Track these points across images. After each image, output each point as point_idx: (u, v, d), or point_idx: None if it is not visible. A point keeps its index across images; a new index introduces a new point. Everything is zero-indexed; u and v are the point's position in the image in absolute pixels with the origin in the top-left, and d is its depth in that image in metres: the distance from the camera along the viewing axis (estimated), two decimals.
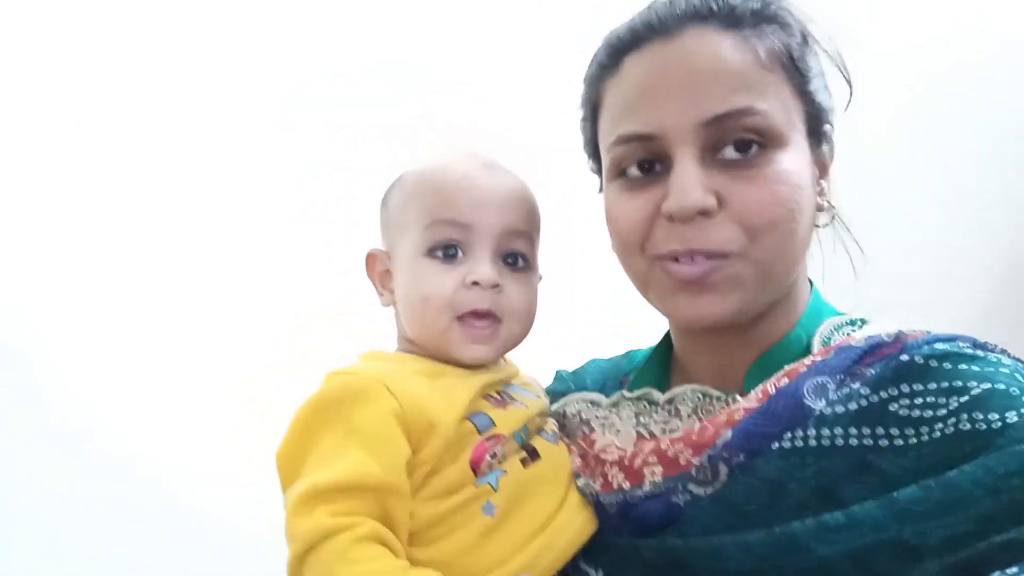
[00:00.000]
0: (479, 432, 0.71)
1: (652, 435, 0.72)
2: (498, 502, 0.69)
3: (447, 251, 0.75)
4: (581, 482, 0.74)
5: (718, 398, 0.72)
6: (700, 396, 0.73)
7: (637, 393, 0.78)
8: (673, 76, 0.66)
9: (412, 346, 0.79)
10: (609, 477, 0.72)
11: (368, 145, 1.71)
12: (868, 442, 0.61)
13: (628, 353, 0.93)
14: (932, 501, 0.55)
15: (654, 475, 0.68)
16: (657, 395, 0.76)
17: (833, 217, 0.75)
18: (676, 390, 0.75)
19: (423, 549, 0.68)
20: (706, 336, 0.73)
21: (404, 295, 0.78)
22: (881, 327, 0.70)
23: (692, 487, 0.65)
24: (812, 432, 0.63)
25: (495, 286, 0.75)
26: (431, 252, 0.76)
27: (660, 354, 0.84)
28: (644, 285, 0.73)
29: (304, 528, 0.62)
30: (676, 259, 0.68)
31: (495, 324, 0.76)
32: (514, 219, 0.77)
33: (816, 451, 0.62)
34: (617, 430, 0.76)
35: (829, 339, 0.71)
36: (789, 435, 0.63)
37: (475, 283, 0.74)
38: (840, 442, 0.62)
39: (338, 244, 1.31)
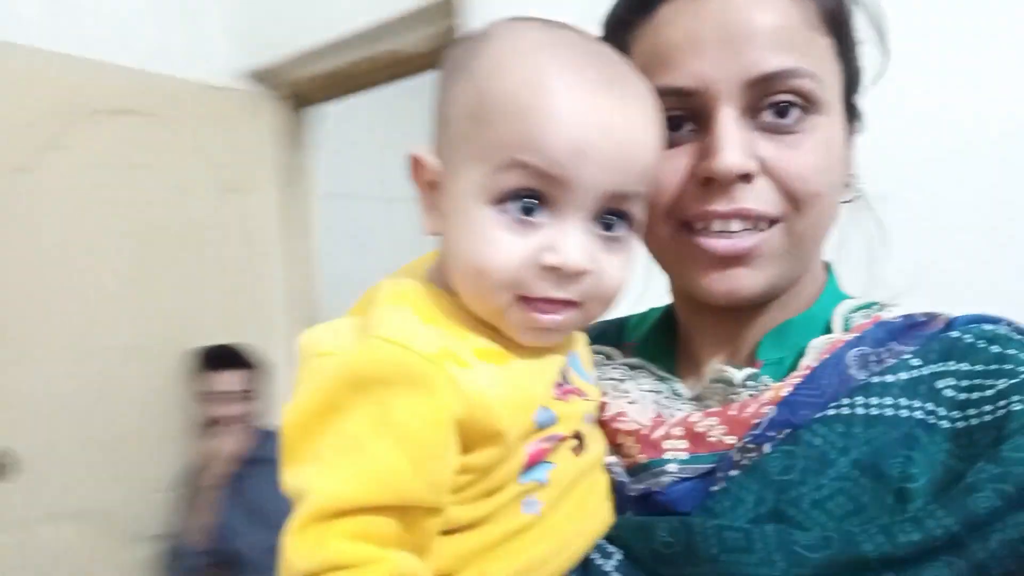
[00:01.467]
0: (538, 429, 0.58)
1: (674, 417, 0.66)
2: (545, 498, 0.58)
3: (523, 205, 0.55)
4: (610, 460, 0.66)
5: (742, 385, 0.66)
6: (724, 385, 0.66)
7: (662, 374, 0.72)
8: (719, 29, 0.60)
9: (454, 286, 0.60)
10: (626, 448, 0.65)
11: None
12: (918, 415, 0.58)
13: (617, 320, 0.83)
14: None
15: (677, 451, 0.62)
16: (681, 388, 0.70)
17: (857, 194, 0.72)
18: (701, 387, 0.68)
19: (449, 541, 0.57)
20: (721, 310, 0.67)
21: (453, 248, 0.58)
22: (908, 309, 0.67)
23: (733, 472, 0.60)
24: (860, 399, 0.60)
25: (583, 273, 0.56)
26: (499, 202, 0.55)
27: (664, 324, 0.77)
28: (663, 254, 0.68)
29: (305, 553, 0.50)
30: (707, 231, 0.63)
31: (570, 310, 0.57)
32: (630, 174, 0.56)
33: (863, 420, 0.59)
34: (631, 400, 0.68)
35: (848, 321, 0.68)
36: (834, 404, 0.60)
37: (555, 268, 0.55)
38: (889, 412, 0.59)
39: None
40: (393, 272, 0.64)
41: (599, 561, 0.62)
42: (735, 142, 0.60)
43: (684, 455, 0.62)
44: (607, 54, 0.59)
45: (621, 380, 0.71)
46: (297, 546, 0.50)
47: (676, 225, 0.64)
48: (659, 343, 0.76)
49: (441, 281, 0.61)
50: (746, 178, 0.61)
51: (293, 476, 0.53)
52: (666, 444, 0.63)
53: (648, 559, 0.60)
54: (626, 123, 0.56)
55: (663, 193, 0.63)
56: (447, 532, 0.56)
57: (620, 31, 0.67)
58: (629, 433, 0.65)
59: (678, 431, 0.63)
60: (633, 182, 0.57)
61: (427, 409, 0.52)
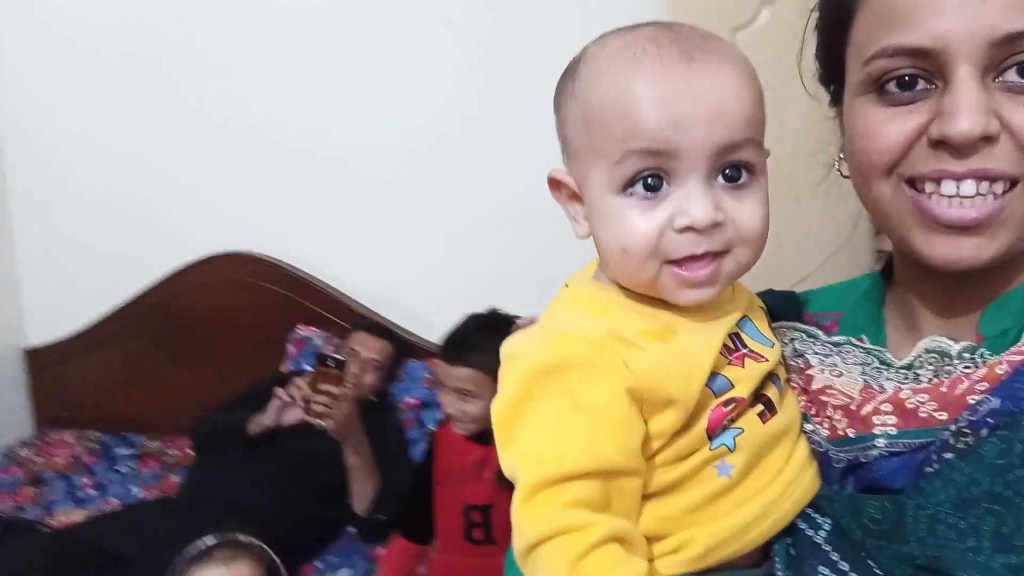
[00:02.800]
0: (715, 395, 0.63)
1: (882, 388, 0.66)
2: (735, 462, 0.63)
3: (647, 183, 0.61)
4: (809, 427, 0.68)
5: (959, 357, 0.64)
6: (937, 356, 0.66)
7: (868, 346, 0.71)
8: None
9: (613, 280, 0.67)
10: (832, 421, 0.66)
11: None
12: None
13: (818, 290, 0.86)
14: None
15: (886, 426, 0.62)
16: (889, 356, 0.69)
17: None
18: (913, 355, 0.67)
19: (652, 504, 0.63)
20: (941, 275, 0.65)
21: (599, 239, 0.65)
22: None
23: (947, 455, 0.59)
24: None
25: (714, 225, 0.61)
26: (625, 189, 0.62)
27: (873, 292, 0.77)
28: (884, 213, 0.66)
29: (534, 521, 0.59)
30: (937, 193, 0.61)
31: (717, 261, 0.62)
32: (731, 129, 0.60)
33: None
34: (840, 372, 0.69)
35: None
36: None
37: (688, 227, 0.61)
38: None
39: None
40: (569, 277, 0.74)
41: (808, 532, 0.64)
42: (975, 104, 0.58)
43: (893, 430, 0.62)
44: (685, 33, 0.63)
45: (827, 355, 0.72)
46: (525, 517, 0.59)
47: (898, 182, 0.64)
48: (869, 312, 0.76)
49: (605, 277, 0.69)
50: (987, 140, 0.59)
51: (507, 459, 0.63)
52: (876, 420, 0.63)
53: (857, 532, 0.61)
54: (714, 84, 0.60)
55: (886, 151, 0.63)
56: (651, 496, 0.63)
57: None
58: (838, 407, 0.66)
59: (887, 407, 0.63)
60: (737, 133, 0.61)
61: (603, 385, 0.60)
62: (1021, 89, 0.59)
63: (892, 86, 0.63)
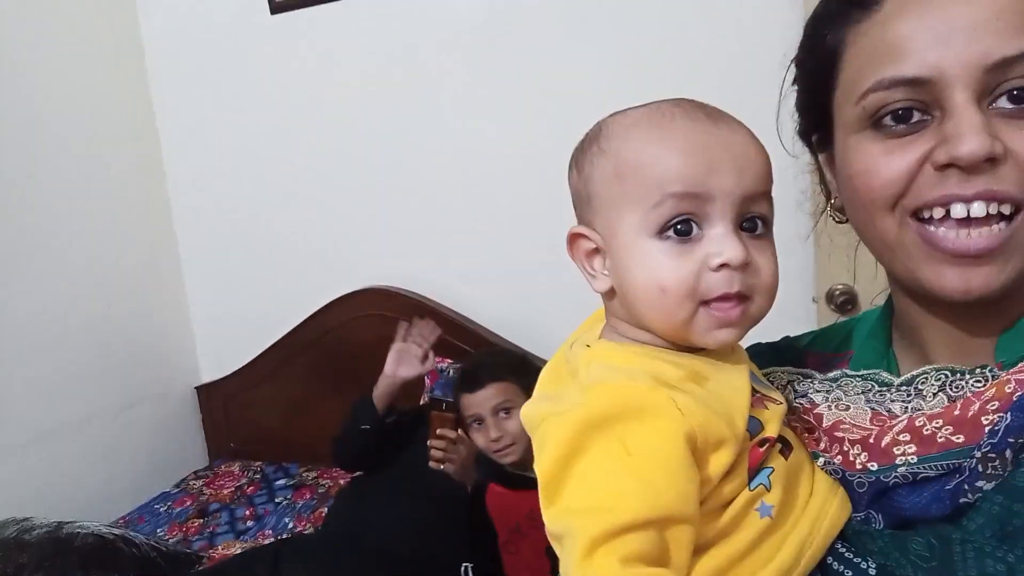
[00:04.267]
0: (751, 436, 0.66)
1: (891, 412, 0.67)
2: (773, 500, 0.65)
3: (680, 228, 0.65)
4: (820, 461, 0.69)
5: (970, 372, 0.65)
6: (947, 374, 0.67)
7: (863, 372, 0.73)
8: (956, 14, 0.61)
9: (634, 331, 0.70)
10: (850, 456, 0.67)
11: None
12: None
13: (825, 329, 0.87)
14: None
15: (906, 455, 0.63)
16: (887, 376, 0.71)
17: None
18: (916, 371, 0.69)
19: (701, 559, 0.62)
20: (952, 306, 0.66)
21: (632, 283, 0.67)
22: None
23: (980, 483, 0.59)
24: None
25: (745, 264, 0.65)
26: (661, 233, 0.65)
27: (884, 325, 0.78)
28: (889, 248, 0.67)
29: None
30: (945, 218, 0.62)
31: (745, 304, 0.66)
32: (755, 179, 0.66)
33: None
34: (846, 405, 0.70)
35: None
36: None
37: (723, 265, 0.64)
38: None
39: None
40: (566, 342, 0.76)
41: (850, 574, 0.64)
42: (978, 125, 0.59)
43: (914, 458, 0.62)
44: (701, 104, 0.68)
45: (829, 391, 0.73)
46: (579, 570, 0.57)
47: (903, 216, 0.64)
48: (877, 349, 0.76)
49: (617, 335, 0.71)
50: (992, 161, 0.60)
51: (555, 518, 0.61)
52: (895, 450, 0.63)
53: (907, 568, 0.61)
54: (741, 139, 0.66)
55: (890, 183, 0.64)
56: (699, 550, 0.62)
57: (836, 26, 0.68)
58: (855, 441, 0.67)
59: (905, 436, 0.63)
60: (759, 184, 0.66)
61: (658, 430, 0.60)
62: (1015, 115, 0.60)
63: (888, 120, 0.64)
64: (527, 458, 1.74)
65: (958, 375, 0.66)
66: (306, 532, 2.37)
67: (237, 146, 2.92)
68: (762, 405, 0.68)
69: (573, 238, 0.72)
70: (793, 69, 0.75)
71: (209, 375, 3.15)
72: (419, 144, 2.68)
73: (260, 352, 3.01)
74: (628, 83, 2.37)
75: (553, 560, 0.62)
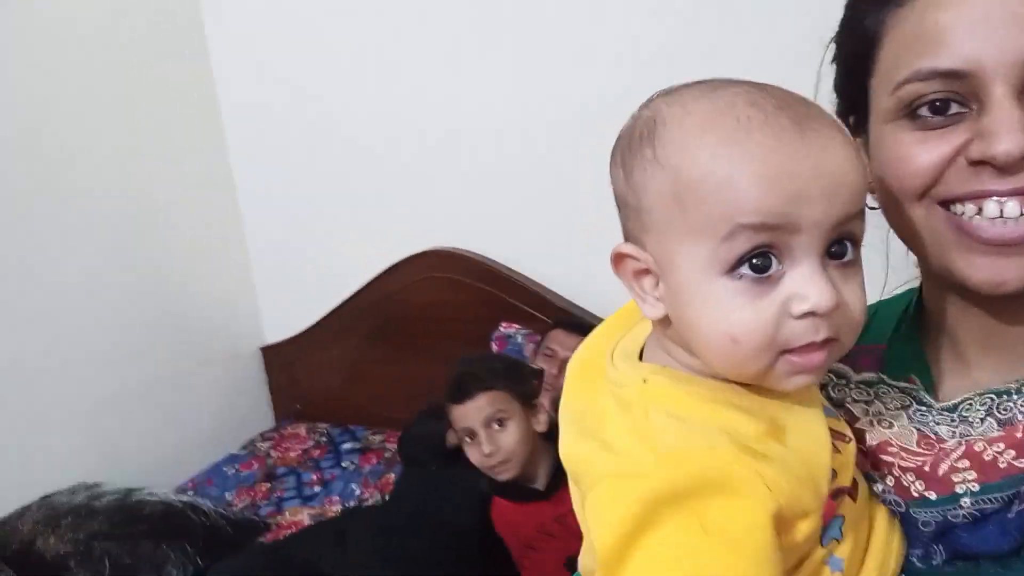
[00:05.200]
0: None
1: (938, 436, 0.65)
2: (843, 553, 0.60)
3: (757, 264, 0.55)
4: (878, 487, 0.66)
5: (1016, 392, 0.63)
6: (992, 397, 0.64)
7: (902, 384, 0.70)
8: (996, 6, 0.59)
9: (693, 359, 0.60)
10: (903, 482, 0.64)
11: None
12: None
13: None
14: None
15: (967, 483, 0.61)
16: (927, 397, 0.68)
17: None
18: (958, 399, 0.66)
19: None
20: (985, 299, 0.64)
21: (696, 327, 0.58)
22: None
23: None
24: None
25: (835, 308, 0.55)
26: (733, 270, 0.55)
27: (914, 318, 0.75)
28: (919, 237, 0.65)
29: None
30: (978, 214, 0.61)
31: (830, 347, 0.57)
32: (849, 201, 0.56)
33: None
34: (889, 422, 0.67)
35: None
36: None
37: (809, 313, 0.55)
38: None
39: None
40: (597, 335, 0.69)
41: None
42: (1017, 124, 0.58)
43: (976, 486, 0.61)
44: (785, 98, 0.57)
45: (868, 402, 0.70)
46: None
47: (931, 204, 0.63)
48: (913, 348, 0.73)
49: (670, 361, 0.62)
50: None
51: None
52: (955, 478, 0.61)
53: None
54: (832, 155, 0.55)
55: (921, 173, 0.62)
56: None
57: (875, 9, 0.66)
58: (908, 469, 0.64)
59: (963, 463, 0.61)
60: (853, 206, 0.56)
61: (744, 511, 0.53)
62: None
63: (924, 111, 0.62)
64: (530, 472, 1.71)
65: (1003, 396, 0.63)
66: (373, 503, 2.33)
67: (299, 107, 2.85)
68: (835, 449, 0.61)
69: (619, 258, 0.62)
70: (832, 48, 0.73)
71: (273, 337, 3.12)
72: (484, 97, 2.57)
73: (325, 314, 2.97)
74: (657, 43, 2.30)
75: (573, 571, 0.60)
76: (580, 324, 2.37)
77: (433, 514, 1.93)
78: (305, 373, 3.05)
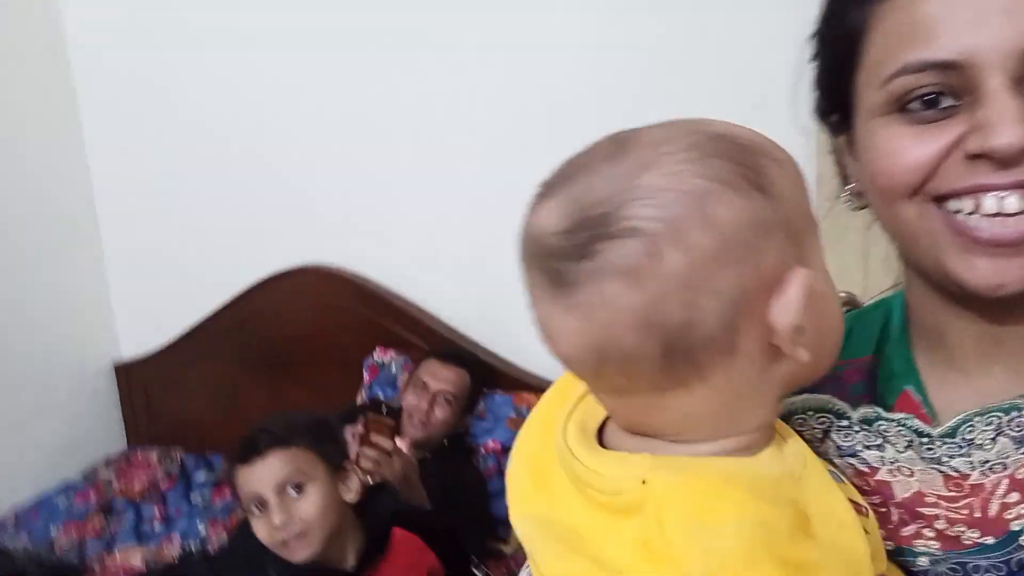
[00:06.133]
0: None
1: (959, 472, 0.62)
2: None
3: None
4: (924, 561, 0.63)
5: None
6: (998, 416, 0.61)
7: (897, 416, 0.66)
8: None
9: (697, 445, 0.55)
10: (949, 533, 0.62)
11: None
12: None
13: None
14: None
15: (1021, 517, 0.60)
16: (921, 425, 0.65)
17: None
18: (954, 421, 0.64)
19: None
20: (982, 302, 0.63)
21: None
22: None
23: None
24: None
25: None
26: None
27: (901, 326, 0.73)
28: (912, 237, 0.64)
29: None
30: (976, 211, 0.59)
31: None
32: None
33: None
34: (909, 469, 0.64)
35: None
36: None
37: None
38: None
39: None
40: (535, 417, 0.64)
41: None
42: (1015, 114, 0.57)
43: None
44: None
45: (879, 447, 0.66)
46: None
47: (924, 202, 0.62)
48: (906, 356, 0.71)
49: (659, 445, 0.56)
50: None
51: None
52: (1007, 515, 0.60)
53: None
54: None
55: (914, 169, 0.61)
56: None
57: (857, 4, 0.65)
58: (956, 521, 0.62)
59: (1013, 496, 0.60)
60: None
61: None
62: None
63: (916, 105, 0.61)
64: (335, 550, 1.42)
65: (1013, 412, 0.61)
66: (214, 549, 2.09)
67: (163, 105, 2.62)
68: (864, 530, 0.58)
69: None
70: (809, 44, 0.71)
71: (130, 352, 2.85)
72: (367, 104, 2.39)
73: (188, 330, 2.73)
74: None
75: None
76: (457, 355, 2.19)
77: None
78: (163, 394, 2.80)
